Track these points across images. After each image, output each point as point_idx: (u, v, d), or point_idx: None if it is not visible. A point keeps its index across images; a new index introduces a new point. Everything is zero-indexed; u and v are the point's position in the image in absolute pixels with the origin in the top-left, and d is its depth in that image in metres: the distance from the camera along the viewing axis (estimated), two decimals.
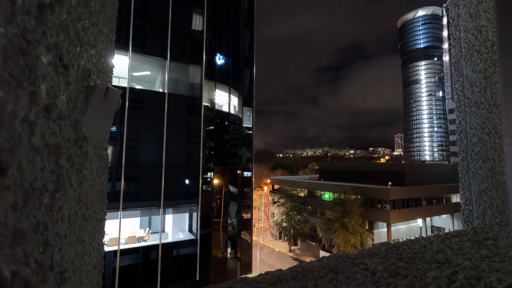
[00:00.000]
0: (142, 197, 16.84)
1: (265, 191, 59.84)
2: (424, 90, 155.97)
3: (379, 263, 1.21)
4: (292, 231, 41.33)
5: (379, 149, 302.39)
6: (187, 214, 19.40)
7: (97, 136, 0.89)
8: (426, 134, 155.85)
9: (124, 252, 15.83)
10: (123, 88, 16.07)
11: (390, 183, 34.48)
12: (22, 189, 0.53)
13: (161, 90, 18.00)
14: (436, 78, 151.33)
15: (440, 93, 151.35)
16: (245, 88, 25.82)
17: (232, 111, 22.98)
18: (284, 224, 41.86)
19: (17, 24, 0.51)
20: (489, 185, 2.58)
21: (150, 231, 17.90)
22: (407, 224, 37.49)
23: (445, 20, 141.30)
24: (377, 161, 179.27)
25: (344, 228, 32.35)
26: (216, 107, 20.85)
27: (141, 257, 16.42)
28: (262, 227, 53.88)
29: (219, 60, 21.31)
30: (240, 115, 24.64)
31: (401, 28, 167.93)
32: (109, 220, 14.12)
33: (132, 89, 16.80)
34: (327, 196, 40.09)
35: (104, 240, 1.17)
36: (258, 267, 31.58)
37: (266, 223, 59.09)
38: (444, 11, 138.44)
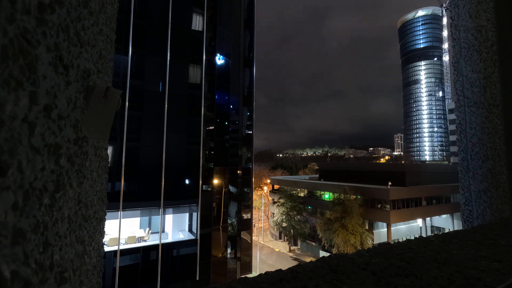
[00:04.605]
0: (142, 197, 16.84)
1: (265, 191, 59.83)
2: (424, 90, 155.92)
3: (379, 263, 1.21)
4: (292, 231, 41.32)
5: (379, 149, 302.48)
6: (187, 214, 19.41)
7: (97, 136, 0.89)
8: (426, 134, 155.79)
9: (124, 252, 15.83)
10: (123, 88, 16.08)
11: (390, 183, 34.47)
12: (22, 189, 0.53)
13: (161, 90, 18.00)
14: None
15: (440, 93, 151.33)
16: (245, 88, 25.82)
17: (231, 111, 22.98)
18: (284, 224, 41.86)
19: (17, 24, 0.51)
20: (489, 185, 2.58)
21: (150, 231, 17.90)
22: (407, 224, 37.48)
23: (445, 20, 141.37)
24: (377, 161, 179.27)
25: (344, 228, 32.34)
26: (216, 107, 20.85)
27: (141, 257, 16.42)
28: (262, 227, 53.87)
29: (219, 60, 21.31)
30: (240, 115, 24.64)
31: (401, 28, 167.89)
32: (109, 220, 14.14)
33: (132, 89, 16.79)
34: (327, 196, 40.10)
35: (104, 240, 1.17)
36: (258, 267, 31.58)
37: (266, 223, 59.08)
38: (444, 11, 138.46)
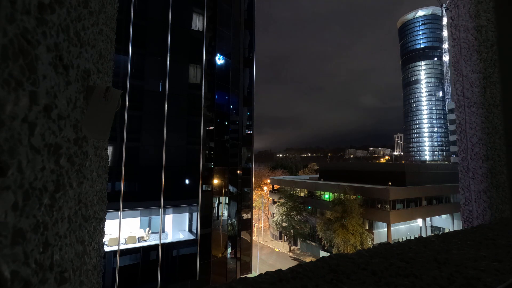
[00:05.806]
0: (142, 197, 16.84)
1: (265, 191, 59.79)
2: (424, 90, 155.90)
3: (379, 263, 1.21)
4: (292, 231, 41.30)
5: (379, 149, 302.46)
6: (187, 214, 19.41)
7: (97, 136, 0.89)
8: (426, 134, 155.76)
9: (124, 252, 15.83)
10: (123, 88, 16.09)
11: (390, 183, 34.46)
12: (22, 189, 0.53)
13: (161, 90, 18.00)
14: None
15: (440, 93, 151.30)
16: (245, 88, 25.82)
17: (231, 111, 22.98)
18: (284, 224, 41.84)
19: (17, 24, 0.51)
20: (489, 185, 2.58)
21: (150, 231, 17.91)
22: (407, 224, 37.47)
23: (445, 20, 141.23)
24: (377, 161, 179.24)
25: (344, 228, 32.33)
26: (216, 107, 20.86)
27: (141, 257, 16.42)
28: (262, 227, 53.86)
29: (219, 60, 21.31)
30: (240, 115, 24.65)
31: (401, 28, 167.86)
32: (109, 220, 14.14)
33: (132, 89, 16.80)
34: (327, 196, 40.08)
35: (104, 240, 1.17)
36: (258, 267, 31.56)
37: (266, 223, 59.07)
38: (444, 11, 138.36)
